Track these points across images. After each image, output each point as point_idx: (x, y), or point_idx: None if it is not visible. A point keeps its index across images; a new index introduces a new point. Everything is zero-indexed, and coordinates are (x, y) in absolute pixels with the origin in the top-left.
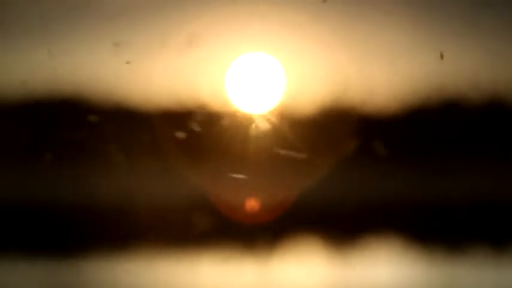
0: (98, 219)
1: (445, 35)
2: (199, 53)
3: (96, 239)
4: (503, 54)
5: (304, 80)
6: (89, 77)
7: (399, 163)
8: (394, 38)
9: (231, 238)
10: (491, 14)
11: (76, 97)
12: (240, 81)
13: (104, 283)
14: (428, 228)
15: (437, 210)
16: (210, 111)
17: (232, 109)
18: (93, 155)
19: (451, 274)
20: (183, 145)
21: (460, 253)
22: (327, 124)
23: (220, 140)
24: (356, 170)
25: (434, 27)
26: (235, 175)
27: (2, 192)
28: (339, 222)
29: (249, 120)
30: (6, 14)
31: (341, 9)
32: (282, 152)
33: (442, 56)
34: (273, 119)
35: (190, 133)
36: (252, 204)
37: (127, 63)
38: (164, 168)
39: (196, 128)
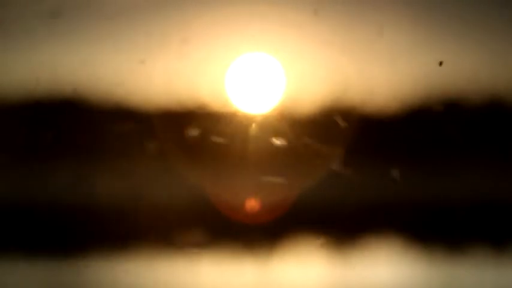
0: (98, 219)
1: (445, 35)
2: (199, 53)
3: (96, 239)
4: (503, 54)
5: (304, 80)
6: (89, 77)
7: (399, 163)
8: (394, 39)
9: (231, 238)
10: (491, 14)
11: (76, 97)
12: (240, 81)
13: (104, 283)
14: (428, 228)
15: (437, 210)
16: (210, 111)
17: (232, 109)
18: (94, 154)
19: (451, 274)
20: (183, 145)
21: (460, 253)
22: (327, 124)
23: (220, 140)
24: (356, 170)
25: (434, 28)
26: (270, 179)
27: (2, 192)
28: (339, 222)
29: (249, 120)
30: (6, 14)
31: (341, 9)
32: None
33: (441, 64)
34: (273, 119)
35: (190, 133)
36: (252, 204)
37: (141, 62)
38: (164, 168)
39: (198, 132)
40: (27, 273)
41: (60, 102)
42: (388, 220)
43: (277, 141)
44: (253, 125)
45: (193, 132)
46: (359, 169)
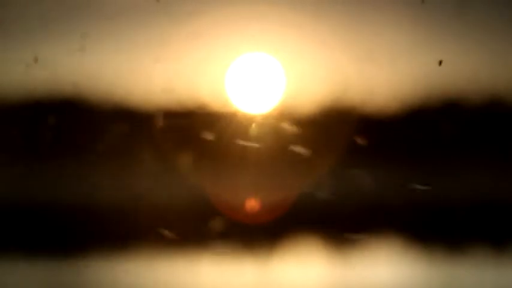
0: (98, 219)
1: (445, 35)
2: (199, 53)
3: (96, 239)
4: (503, 54)
5: (304, 80)
6: (89, 77)
7: (399, 163)
8: (394, 38)
9: (231, 238)
10: (491, 14)
11: (76, 97)
12: (240, 81)
13: (104, 283)
14: (428, 228)
15: (437, 210)
16: (210, 111)
17: (232, 109)
18: (93, 154)
19: (451, 274)
20: (183, 145)
21: (460, 253)
22: (327, 124)
23: (220, 140)
24: (356, 170)
25: (434, 28)
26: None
27: (2, 192)
28: (339, 222)
29: (249, 120)
30: (6, 14)
31: (341, 9)
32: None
33: (440, 63)
34: (273, 119)
35: (190, 133)
36: (252, 204)
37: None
38: (164, 168)
39: (198, 132)
40: (27, 273)
41: (60, 102)
42: (388, 220)
43: (297, 149)
44: (253, 125)
45: (194, 132)
46: (359, 169)
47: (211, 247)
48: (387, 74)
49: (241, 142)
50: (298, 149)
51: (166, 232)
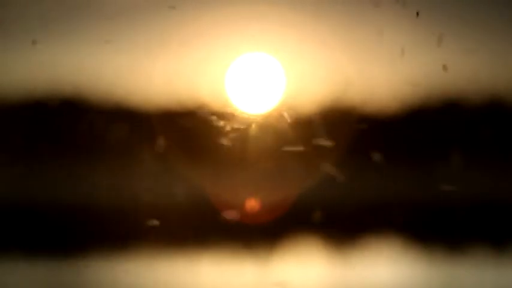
0: (98, 219)
1: (445, 35)
2: (199, 53)
3: (96, 239)
4: (503, 54)
5: (304, 80)
6: (89, 77)
7: (399, 163)
8: (394, 39)
9: (231, 238)
10: (491, 14)
11: (76, 97)
12: (240, 81)
13: (104, 283)
14: (428, 228)
15: (437, 210)
16: (210, 111)
17: (232, 109)
18: (93, 154)
19: (451, 274)
20: (183, 145)
21: (460, 253)
22: (327, 124)
23: (220, 140)
24: (356, 170)
25: (434, 28)
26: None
27: (2, 192)
28: (339, 222)
29: (249, 120)
30: (6, 14)
31: (341, 9)
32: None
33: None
34: (273, 119)
35: (190, 133)
36: (252, 204)
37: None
38: (164, 168)
39: (198, 132)
40: (27, 273)
41: (60, 102)
42: (388, 220)
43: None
44: (253, 125)
45: (193, 132)
46: (359, 169)
47: (211, 247)
48: (387, 74)
49: (241, 142)
50: (298, 147)
51: (165, 232)
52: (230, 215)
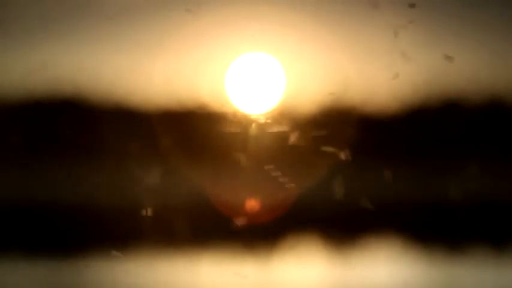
0: (98, 219)
1: (445, 35)
2: (199, 53)
3: (96, 239)
4: (503, 54)
5: (304, 80)
6: (89, 77)
7: (399, 163)
8: (394, 39)
9: (231, 238)
10: (491, 14)
11: (76, 97)
12: (240, 81)
13: (104, 283)
14: (428, 228)
15: (437, 210)
16: (210, 111)
17: (232, 109)
18: (93, 154)
19: (451, 274)
20: (183, 145)
21: (460, 253)
22: (327, 124)
23: (220, 140)
24: (356, 170)
25: (434, 28)
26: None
27: (2, 192)
28: (339, 222)
29: (249, 120)
30: (6, 14)
31: (341, 9)
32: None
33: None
34: (273, 119)
35: (190, 133)
36: (252, 204)
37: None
38: (164, 168)
39: (198, 132)
40: (27, 273)
41: (60, 102)
42: (388, 220)
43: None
44: (253, 125)
45: (193, 132)
46: (359, 169)
47: (211, 247)
48: (387, 74)
49: (241, 142)
50: (298, 148)
51: (165, 232)
52: (239, 220)
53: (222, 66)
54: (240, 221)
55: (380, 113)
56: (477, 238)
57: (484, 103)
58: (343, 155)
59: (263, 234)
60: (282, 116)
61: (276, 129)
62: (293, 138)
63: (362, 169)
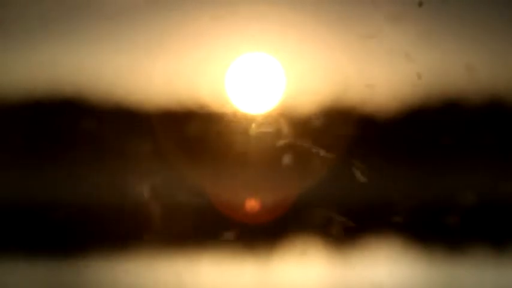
0: (98, 219)
1: (445, 35)
2: (199, 53)
3: (96, 239)
4: (503, 54)
5: (304, 80)
6: (89, 77)
7: (399, 163)
8: (394, 39)
9: (231, 238)
10: (491, 14)
11: (76, 97)
12: (240, 81)
13: (104, 283)
14: (428, 228)
15: (437, 210)
16: (210, 111)
17: (232, 109)
18: (93, 154)
19: (451, 274)
20: (183, 145)
21: (460, 253)
22: (327, 124)
23: (220, 140)
24: (356, 169)
25: (434, 28)
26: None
27: (2, 192)
28: (339, 222)
29: (249, 120)
30: (6, 14)
31: (341, 9)
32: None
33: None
34: (273, 119)
35: (190, 133)
36: (252, 204)
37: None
38: (164, 168)
39: (198, 132)
40: (27, 273)
41: (60, 102)
42: (388, 220)
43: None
44: (253, 125)
45: (193, 132)
46: (359, 169)
47: (211, 247)
48: (387, 74)
49: (241, 142)
50: (298, 148)
51: (165, 232)
52: (228, 235)
53: (222, 66)
54: (229, 236)
55: (380, 113)
56: (477, 238)
57: (484, 103)
58: (342, 155)
59: (263, 234)
60: (282, 116)
61: (275, 129)
62: (292, 138)
63: (362, 169)
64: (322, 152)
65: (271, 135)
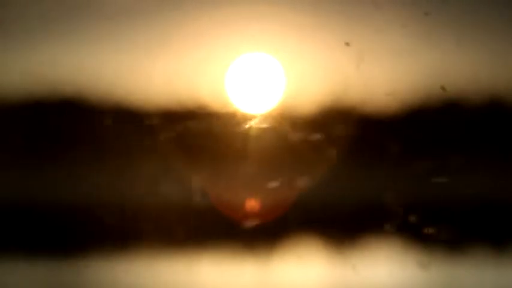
0: (98, 219)
1: (445, 35)
2: (199, 53)
3: (96, 239)
4: (503, 54)
5: (304, 80)
6: (89, 77)
7: (399, 163)
8: (394, 39)
9: (231, 238)
10: (491, 14)
11: (76, 97)
12: (240, 81)
13: (104, 283)
14: (428, 228)
15: (437, 210)
16: (210, 111)
17: (232, 109)
18: (93, 155)
19: (451, 274)
20: (183, 145)
21: (460, 253)
22: (327, 124)
23: (220, 140)
24: (356, 170)
25: (434, 28)
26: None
27: (2, 192)
28: (339, 222)
29: (249, 120)
30: (6, 14)
31: (341, 9)
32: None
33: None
34: (273, 119)
35: (190, 133)
36: (252, 204)
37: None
38: (164, 168)
39: (198, 132)
40: (27, 273)
41: (60, 102)
42: (388, 220)
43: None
44: (253, 125)
45: (193, 132)
46: (359, 169)
47: (211, 247)
48: (387, 74)
49: (241, 142)
50: (298, 148)
51: (165, 232)
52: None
53: (222, 66)
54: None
55: (380, 113)
56: (477, 238)
57: (484, 103)
58: (342, 155)
59: (263, 234)
60: (282, 116)
61: (275, 129)
62: (293, 138)
63: (362, 169)
64: (322, 152)
65: (271, 135)
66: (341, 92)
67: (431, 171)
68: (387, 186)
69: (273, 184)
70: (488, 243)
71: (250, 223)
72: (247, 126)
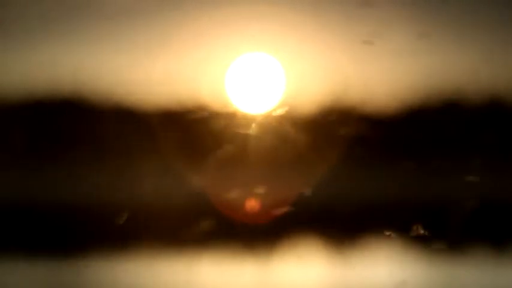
0: (98, 219)
1: (445, 35)
2: (199, 53)
3: (96, 239)
4: (503, 54)
5: (304, 80)
6: (89, 77)
7: (399, 163)
8: (394, 39)
9: (231, 238)
10: (491, 14)
11: (76, 97)
12: (240, 81)
13: (104, 283)
14: (428, 228)
15: (437, 210)
16: (210, 111)
17: (232, 109)
18: (93, 155)
19: (451, 274)
20: (183, 145)
21: (460, 253)
22: (327, 124)
23: (220, 140)
24: (356, 170)
25: (434, 28)
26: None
27: (2, 192)
28: (339, 222)
29: (249, 120)
30: (6, 14)
31: (341, 9)
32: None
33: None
34: (273, 119)
35: (190, 133)
36: (252, 204)
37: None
38: (164, 168)
39: (198, 132)
40: (27, 273)
41: (60, 102)
42: (388, 220)
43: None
44: (253, 125)
45: (193, 132)
46: (359, 169)
47: (211, 247)
48: (387, 74)
49: (241, 142)
50: (298, 148)
51: (165, 232)
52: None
53: (222, 66)
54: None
55: (380, 113)
56: (477, 238)
57: (484, 103)
58: (342, 155)
59: (263, 234)
60: (282, 116)
61: (275, 129)
62: (293, 138)
63: (362, 169)
64: (322, 152)
65: (271, 135)
66: (341, 92)
67: (431, 171)
68: (387, 186)
69: (273, 184)
70: (488, 243)
71: (250, 223)
72: (247, 126)
